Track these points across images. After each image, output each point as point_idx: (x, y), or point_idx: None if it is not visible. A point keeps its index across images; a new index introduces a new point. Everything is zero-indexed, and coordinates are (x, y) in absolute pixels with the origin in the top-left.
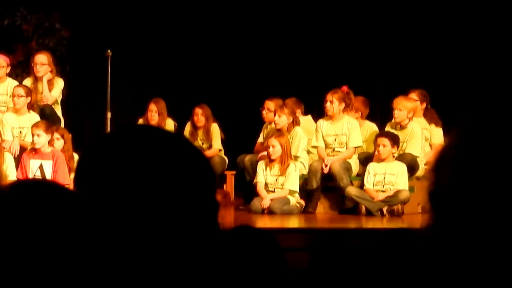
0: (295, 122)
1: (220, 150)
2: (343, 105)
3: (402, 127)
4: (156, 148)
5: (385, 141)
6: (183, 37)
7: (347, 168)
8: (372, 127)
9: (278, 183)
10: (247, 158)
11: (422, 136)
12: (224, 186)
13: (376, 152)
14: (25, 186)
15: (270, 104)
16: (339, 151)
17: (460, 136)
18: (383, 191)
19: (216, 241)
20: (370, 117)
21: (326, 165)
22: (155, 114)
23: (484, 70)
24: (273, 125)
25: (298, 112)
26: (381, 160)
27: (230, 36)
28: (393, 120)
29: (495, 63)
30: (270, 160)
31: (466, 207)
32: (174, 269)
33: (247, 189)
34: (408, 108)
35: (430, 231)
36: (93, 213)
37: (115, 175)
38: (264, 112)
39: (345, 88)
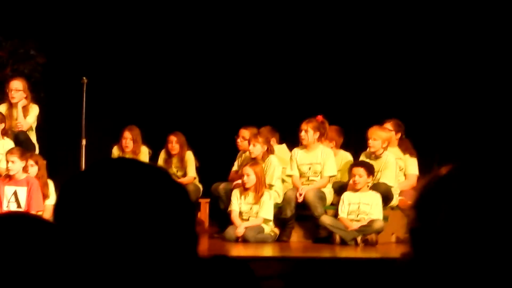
0: (270, 151)
1: (194, 178)
2: (317, 134)
3: (377, 157)
4: (135, 182)
5: (361, 171)
6: (158, 65)
7: (322, 197)
8: (347, 156)
9: (253, 212)
10: (222, 186)
11: (397, 166)
12: (198, 214)
13: (352, 182)
14: (4, 220)
15: (244, 133)
16: (313, 180)
17: (455, 180)
18: (357, 221)
19: (196, 271)
20: (345, 147)
21: (300, 194)
22: (130, 142)
23: (465, 102)
24: (247, 153)
25: (273, 141)
26: (356, 189)
27: (204, 65)
28: (367, 150)
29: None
30: (244, 189)
31: (459, 249)
32: None
33: (221, 217)
34: (383, 138)
35: (409, 265)
36: (71, 245)
37: (95, 210)
38: (238, 140)
39: (320, 117)
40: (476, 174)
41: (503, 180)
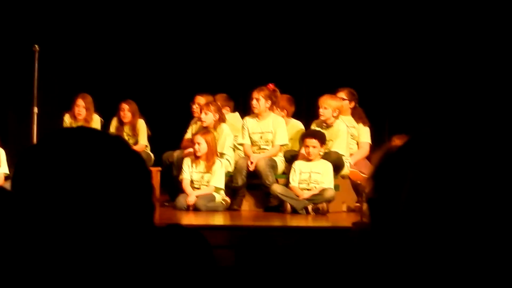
0: (221, 119)
1: (146, 146)
2: (269, 102)
3: (328, 126)
4: (92, 151)
5: (314, 142)
6: (111, 32)
7: (273, 166)
8: (298, 125)
9: (204, 180)
10: (176, 153)
11: (348, 135)
12: None
13: (305, 153)
14: None
15: (200, 99)
16: (265, 149)
17: (414, 151)
18: (308, 189)
19: (152, 240)
20: (296, 115)
21: (251, 163)
22: (83, 109)
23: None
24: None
25: (227, 109)
26: (308, 159)
27: (158, 31)
28: (319, 119)
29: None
30: (195, 157)
31: (418, 220)
32: (109, 267)
33: (172, 186)
34: (333, 107)
35: (362, 235)
36: (29, 215)
37: (53, 180)
38: (194, 107)
39: (271, 85)
40: (436, 144)
41: (464, 150)
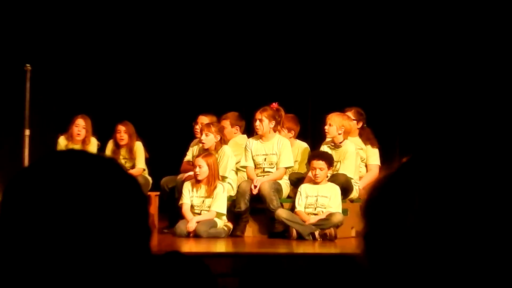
0: (223, 141)
1: (144, 169)
2: (273, 123)
3: (337, 146)
4: (86, 175)
5: (321, 164)
6: (106, 48)
7: (278, 189)
8: (304, 146)
9: (205, 205)
10: (179, 177)
11: (357, 156)
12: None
13: (312, 176)
14: None
15: (204, 119)
16: (269, 172)
17: (407, 178)
18: (315, 214)
19: (148, 267)
20: (301, 136)
21: (255, 186)
22: (83, 130)
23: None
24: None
25: (237, 128)
26: (315, 182)
27: (157, 47)
28: (327, 139)
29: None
30: (196, 181)
31: (419, 253)
32: None
33: (171, 212)
34: (339, 124)
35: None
36: (17, 239)
37: (43, 206)
38: (196, 127)
39: (274, 105)
40: (445, 161)
41: (475, 167)
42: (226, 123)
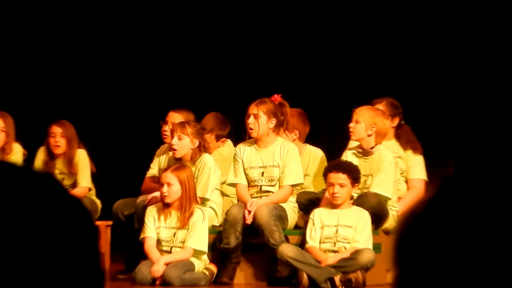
0: (204, 148)
1: (89, 189)
2: (273, 121)
3: (366, 153)
4: (9, 196)
5: (342, 178)
6: (35, 38)
7: (281, 216)
8: (317, 154)
9: (177, 240)
10: (139, 200)
11: (396, 168)
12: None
13: (329, 196)
14: None
15: (175, 117)
16: (268, 191)
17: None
18: (334, 252)
19: None
20: (314, 139)
21: (249, 212)
22: (1, 133)
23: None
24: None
25: (222, 142)
26: (334, 205)
27: (103, 29)
28: (351, 143)
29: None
30: (164, 205)
31: None
32: None
33: (130, 248)
34: (369, 121)
35: None
36: None
37: None
38: (166, 128)
39: (276, 97)
40: (483, 191)
41: None
42: (210, 136)
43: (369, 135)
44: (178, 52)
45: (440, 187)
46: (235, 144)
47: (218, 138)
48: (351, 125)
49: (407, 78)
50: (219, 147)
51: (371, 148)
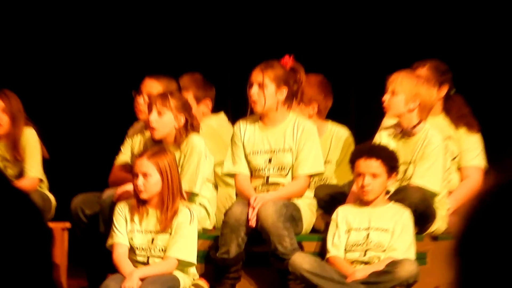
0: (192, 126)
1: (40, 180)
2: (284, 91)
3: (407, 134)
4: None
5: (374, 166)
6: None
7: (293, 216)
8: (341, 135)
9: (156, 247)
10: (106, 196)
11: (446, 153)
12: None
13: (357, 189)
14: None
15: (153, 86)
16: (277, 184)
17: None
18: (365, 263)
19: None
20: (337, 115)
21: (253, 209)
22: (3, 115)
23: None
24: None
25: (206, 105)
26: (363, 202)
27: None
28: (386, 121)
29: None
30: (139, 202)
31: None
32: None
33: (92, 258)
34: (410, 92)
35: None
36: None
37: None
38: (140, 101)
39: (288, 59)
40: None
41: None
42: (187, 96)
43: (410, 110)
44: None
45: (505, 176)
46: (232, 118)
47: (197, 100)
48: (385, 97)
49: (456, 34)
50: (203, 115)
51: (413, 127)
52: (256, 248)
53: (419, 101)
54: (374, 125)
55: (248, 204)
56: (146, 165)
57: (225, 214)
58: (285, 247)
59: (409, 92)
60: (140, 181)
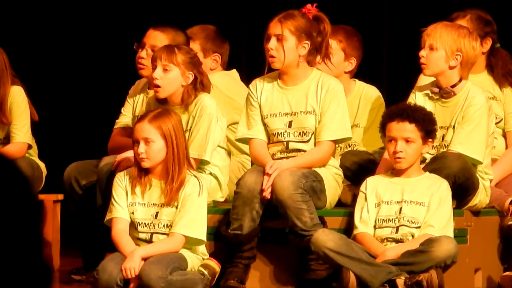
0: (202, 84)
1: (29, 146)
2: (306, 45)
3: (446, 95)
4: None
5: (408, 130)
6: None
7: (313, 188)
8: (371, 95)
9: (161, 223)
10: (104, 163)
11: (491, 117)
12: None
13: (390, 157)
14: None
15: (157, 39)
16: (299, 150)
17: None
18: (397, 241)
19: None
20: (365, 73)
21: (268, 177)
22: None
23: None
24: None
25: (216, 60)
26: (396, 172)
27: None
28: (422, 80)
29: None
30: (141, 171)
31: None
32: None
33: (88, 235)
34: (451, 47)
35: None
36: None
37: None
38: (142, 54)
39: (310, 8)
40: None
41: None
42: (193, 46)
43: (452, 68)
44: None
45: None
46: (247, 77)
47: (204, 53)
48: (423, 53)
49: None
50: (211, 70)
51: (453, 86)
52: (272, 223)
53: (461, 58)
54: (408, 84)
55: (264, 172)
56: (148, 130)
57: (237, 183)
58: (305, 222)
59: (450, 47)
60: (142, 148)
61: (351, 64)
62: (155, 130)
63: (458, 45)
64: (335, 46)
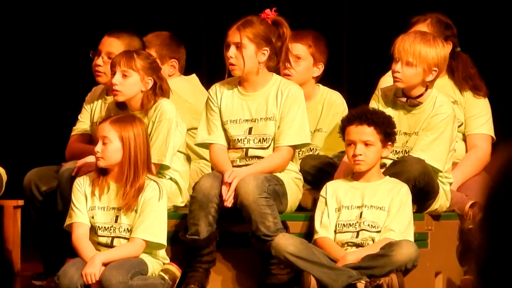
0: (161, 90)
1: None
2: (266, 51)
3: (412, 104)
4: None
5: (367, 133)
6: None
7: (276, 192)
8: (333, 100)
9: (121, 227)
10: (64, 169)
11: (455, 125)
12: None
13: (349, 161)
14: None
15: (112, 45)
16: (258, 157)
17: None
18: (357, 245)
19: None
20: (330, 80)
21: (228, 185)
22: None
23: None
24: (111, 96)
25: (173, 65)
26: (356, 175)
27: None
28: (384, 80)
29: None
30: (99, 172)
31: None
32: None
33: (48, 240)
34: (430, 64)
35: None
36: None
37: None
38: (99, 61)
39: (269, 13)
40: None
41: None
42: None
43: (427, 82)
44: None
45: None
46: (207, 81)
47: (162, 59)
48: (398, 68)
49: None
50: (169, 76)
51: (417, 97)
52: (234, 227)
53: (437, 72)
54: (368, 88)
55: (222, 180)
56: (107, 130)
57: (193, 188)
58: (268, 227)
59: (429, 65)
60: (99, 146)
61: (319, 69)
62: (114, 131)
63: (435, 61)
64: (305, 51)
